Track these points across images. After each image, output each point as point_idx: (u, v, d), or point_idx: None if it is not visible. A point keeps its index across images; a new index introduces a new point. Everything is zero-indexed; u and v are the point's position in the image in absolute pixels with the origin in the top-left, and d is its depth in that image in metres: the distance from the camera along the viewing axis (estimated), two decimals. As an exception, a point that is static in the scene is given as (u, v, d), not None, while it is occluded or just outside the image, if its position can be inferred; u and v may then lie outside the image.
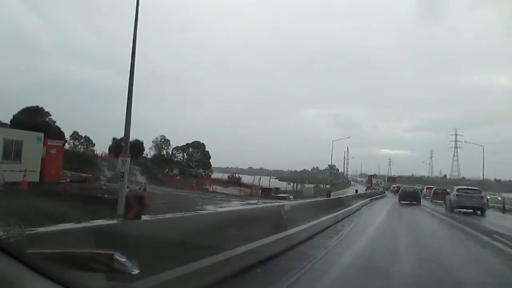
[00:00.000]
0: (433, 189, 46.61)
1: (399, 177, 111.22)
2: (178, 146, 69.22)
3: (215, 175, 70.10)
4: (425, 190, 51.68)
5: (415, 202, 34.43)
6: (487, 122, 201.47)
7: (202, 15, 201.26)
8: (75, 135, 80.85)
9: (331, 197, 21.40)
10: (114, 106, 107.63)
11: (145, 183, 30.81)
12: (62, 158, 27.03)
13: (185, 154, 69.80)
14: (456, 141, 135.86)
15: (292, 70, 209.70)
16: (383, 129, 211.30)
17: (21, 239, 1.94)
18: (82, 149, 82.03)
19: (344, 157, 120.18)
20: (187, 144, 69.06)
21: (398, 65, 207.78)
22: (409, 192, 37.27)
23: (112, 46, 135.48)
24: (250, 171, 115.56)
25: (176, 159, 68.43)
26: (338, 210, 14.77)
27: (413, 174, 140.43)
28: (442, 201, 35.78)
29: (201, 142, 69.40)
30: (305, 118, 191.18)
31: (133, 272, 1.68)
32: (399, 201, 35.86)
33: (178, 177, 49.06)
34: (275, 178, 74.82)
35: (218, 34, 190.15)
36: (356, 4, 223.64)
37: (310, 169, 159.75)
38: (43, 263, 1.64)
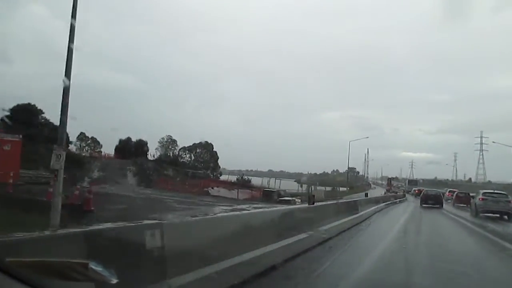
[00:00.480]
0: (456, 192, 45.31)
1: (422, 180, 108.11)
2: (185, 147, 66.02)
3: (224, 177, 66.60)
4: (447, 193, 49.97)
5: (437, 206, 33.85)
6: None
7: (220, 17, 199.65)
8: (82, 136, 78.91)
9: (329, 203, 17.07)
10: (125, 107, 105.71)
11: (86, 185, 26.03)
12: (19, 156, 23.59)
13: (192, 155, 66.53)
14: (481, 143, 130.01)
15: (313, 72, 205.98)
16: (405, 132, 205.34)
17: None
18: (89, 151, 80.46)
19: (365, 160, 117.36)
20: (194, 144, 65.76)
21: (420, 67, 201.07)
22: (431, 195, 36.64)
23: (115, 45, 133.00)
24: (270, 174, 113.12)
25: (182, 160, 65.31)
26: (329, 222, 10.61)
27: (436, 177, 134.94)
28: (465, 205, 35.96)
29: (209, 142, 66.10)
30: (326, 120, 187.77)
31: (111, 282, 1.65)
32: (420, 204, 35.48)
33: (178, 179, 45.52)
34: (294, 181, 70.75)
35: (239, 37, 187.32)
36: (377, 5, 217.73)
37: (330, 172, 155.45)
38: (23, 271, 1.66)
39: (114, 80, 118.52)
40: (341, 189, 71.86)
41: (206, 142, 66.07)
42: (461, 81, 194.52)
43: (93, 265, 1.61)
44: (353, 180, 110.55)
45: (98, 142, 79.60)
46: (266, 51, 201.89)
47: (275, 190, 39.99)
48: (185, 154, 66.63)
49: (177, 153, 66.28)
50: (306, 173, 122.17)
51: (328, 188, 69.88)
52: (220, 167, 66.77)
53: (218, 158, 65.96)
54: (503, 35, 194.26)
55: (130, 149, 60.67)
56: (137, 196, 23.07)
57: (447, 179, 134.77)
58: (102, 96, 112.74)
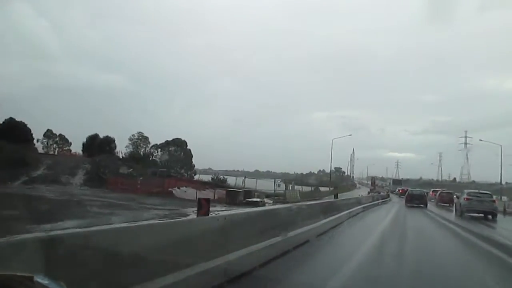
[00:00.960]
0: (439, 191, 45.57)
1: (407, 180, 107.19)
2: (157, 144, 61.74)
3: (206, 177, 62.47)
4: (430, 193, 49.92)
5: (421, 205, 34.57)
6: (498, 124, 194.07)
7: (209, 16, 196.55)
8: (48, 134, 74.34)
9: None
10: (100, 104, 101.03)
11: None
12: None
13: (164, 153, 62.34)
14: (466, 143, 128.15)
15: (299, 72, 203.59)
16: (391, 132, 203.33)
17: None
18: (56, 148, 76.00)
19: (350, 160, 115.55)
20: (167, 141, 61.53)
21: (406, 67, 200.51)
22: (416, 195, 37.69)
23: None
24: (257, 174, 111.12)
25: (154, 158, 61.28)
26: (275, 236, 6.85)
27: (421, 177, 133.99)
28: (448, 204, 37.83)
29: (182, 139, 61.97)
30: (314, 121, 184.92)
31: None
32: (405, 203, 36.49)
33: (142, 178, 41.27)
34: (281, 181, 67.05)
35: (226, 36, 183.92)
36: (364, 6, 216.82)
37: (316, 172, 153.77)
38: None
39: (92, 78, 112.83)
40: (322, 189, 68.79)
41: (179, 139, 61.92)
42: (447, 81, 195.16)
43: (39, 278, 1.51)
44: (339, 180, 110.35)
45: (67, 140, 75.23)
46: (253, 51, 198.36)
47: (240, 190, 35.97)
48: (157, 152, 62.39)
49: (148, 150, 62.02)
50: (293, 173, 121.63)
51: (307, 189, 66.41)
52: (194, 166, 62.65)
53: (192, 156, 61.89)
54: (490, 35, 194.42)
55: (97, 147, 56.58)
56: (60, 198, 19.12)
57: (432, 179, 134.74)
58: (85, 95, 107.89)
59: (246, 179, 59.72)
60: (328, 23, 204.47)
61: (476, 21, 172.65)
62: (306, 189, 66.36)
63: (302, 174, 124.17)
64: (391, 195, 65.19)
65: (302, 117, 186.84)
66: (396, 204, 40.32)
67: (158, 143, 61.56)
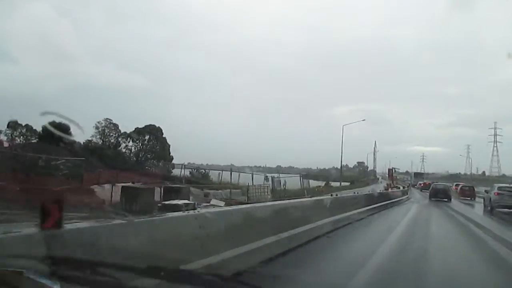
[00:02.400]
0: (460, 186, 45.59)
1: (433, 174, 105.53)
2: (126, 133, 51.31)
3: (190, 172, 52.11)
4: (453, 187, 48.24)
5: (445, 200, 34.34)
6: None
7: (228, 12, 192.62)
8: (13, 124, 65.58)
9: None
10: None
11: None
12: None
13: (136, 142, 52.02)
14: (495, 135, 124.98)
15: (322, 67, 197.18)
16: (415, 126, 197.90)
17: None
18: (23, 141, 67.58)
19: (374, 152, 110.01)
20: (137, 128, 51.07)
21: (431, 59, 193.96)
22: (440, 189, 37.33)
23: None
24: (279, 170, 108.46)
25: (121, 147, 51.17)
26: None
27: (448, 171, 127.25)
28: (470, 199, 39.32)
29: (157, 126, 51.45)
30: (336, 115, 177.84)
31: None
32: (429, 198, 36.38)
33: (66, 172, 30.93)
34: (300, 176, 57.82)
35: (246, 32, 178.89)
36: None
37: (339, 167, 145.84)
38: None
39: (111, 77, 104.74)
40: (334, 183, 65.46)
41: (153, 126, 51.42)
42: (472, 73, 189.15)
43: (30, 274, 1.48)
44: (362, 175, 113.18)
45: (35, 131, 66.35)
46: (273, 47, 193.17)
47: (149, 188, 24.93)
48: (128, 142, 52.05)
49: (116, 140, 51.73)
50: (315, 168, 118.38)
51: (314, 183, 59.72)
52: (172, 157, 51.92)
53: (169, 146, 51.29)
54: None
55: (52, 136, 47.00)
56: None
57: (459, 173, 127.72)
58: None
59: (204, 170, 51.23)
60: (351, 18, 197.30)
61: (501, 9, 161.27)
62: (313, 183, 59.45)
63: (324, 169, 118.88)
64: (412, 189, 59.07)
65: (326, 113, 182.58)
66: (414, 204, 29.37)
67: (128, 131, 51.10)
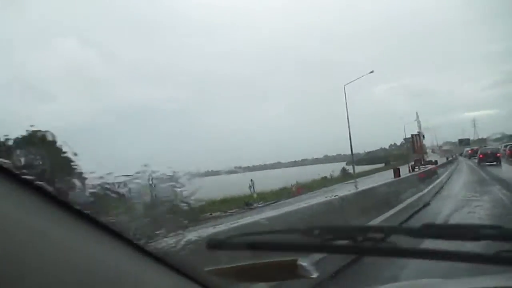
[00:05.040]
0: (508, 146, 41.13)
1: (487, 138, 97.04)
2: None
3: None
4: (507, 151, 45.37)
5: (495, 163, 32.23)
6: None
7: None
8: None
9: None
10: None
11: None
12: None
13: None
14: None
15: (360, 48, 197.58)
16: (461, 92, 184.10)
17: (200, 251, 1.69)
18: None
19: (419, 124, 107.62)
20: (20, 137, 58.33)
21: (467, 18, 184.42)
22: (488, 153, 35.73)
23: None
24: (326, 159, 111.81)
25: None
26: None
27: (504, 133, 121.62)
28: None
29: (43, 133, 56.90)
30: (377, 94, 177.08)
31: (312, 276, 1.50)
32: (478, 163, 34.61)
33: None
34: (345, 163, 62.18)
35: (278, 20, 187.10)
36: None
37: (387, 147, 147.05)
38: (223, 282, 1.38)
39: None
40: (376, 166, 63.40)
41: (40, 132, 58.09)
42: None
43: (301, 261, 1.45)
44: (410, 151, 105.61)
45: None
46: (311, 33, 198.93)
47: None
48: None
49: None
50: (363, 152, 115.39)
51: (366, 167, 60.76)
52: (75, 169, 57.51)
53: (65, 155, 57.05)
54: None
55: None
56: None
57: None
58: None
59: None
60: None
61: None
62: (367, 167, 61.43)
63: (371, 151, 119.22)
64: (460, 158, 57.90)
65: (365, 92, 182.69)
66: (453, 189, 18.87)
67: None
